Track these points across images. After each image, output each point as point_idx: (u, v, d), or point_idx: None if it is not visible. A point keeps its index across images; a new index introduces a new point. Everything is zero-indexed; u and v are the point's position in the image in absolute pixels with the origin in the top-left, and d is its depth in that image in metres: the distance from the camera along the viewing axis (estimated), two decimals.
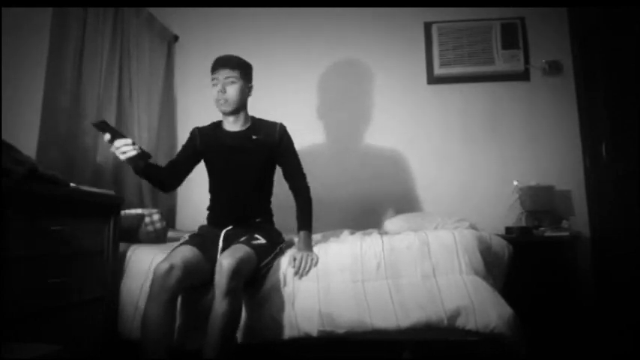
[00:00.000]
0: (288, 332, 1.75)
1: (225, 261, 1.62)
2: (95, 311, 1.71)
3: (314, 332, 1.72)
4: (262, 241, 1.87)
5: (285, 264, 1.88)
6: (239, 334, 1.75)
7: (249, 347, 1.79)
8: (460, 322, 1.65)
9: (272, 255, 1.89)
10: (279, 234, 2.08)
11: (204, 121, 3.35)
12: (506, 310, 1.65)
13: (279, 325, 1.75)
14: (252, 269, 1.75)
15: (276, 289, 1.82)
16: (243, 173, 2.01)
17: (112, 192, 1.96)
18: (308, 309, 1.75)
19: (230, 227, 1.97)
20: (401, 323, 1.67)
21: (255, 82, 3.37)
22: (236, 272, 1.61)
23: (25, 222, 1.39)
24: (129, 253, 1.98)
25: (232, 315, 1.63)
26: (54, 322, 1.50)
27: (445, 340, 1.71)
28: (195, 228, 2.14)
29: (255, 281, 1.83)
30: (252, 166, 2.02)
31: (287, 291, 1.81)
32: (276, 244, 1.96)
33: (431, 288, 1.72)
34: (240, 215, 2.01)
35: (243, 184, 2.02)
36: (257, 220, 2.03)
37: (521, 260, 2.08)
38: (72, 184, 1.68)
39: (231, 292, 1.60)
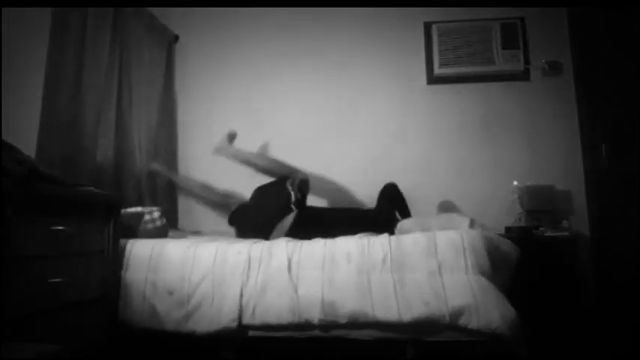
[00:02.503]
0: (289, 317, 1.75)
1: None
2: (95, 311, 1.71)
3: (315, 320, 1.73)
4: None
5: (290, 248, 1.90)
6: (244, 315, 1.77)
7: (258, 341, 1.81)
8: (462, 321, 1.65)
9: None
10: None
11: (204, 120, 3.39)
12: (510, 312, 1.64)
13: (280, 309, 1.76)
14: None
15: (281, 273, 1.83)
16: None
17: (111, 192, 1.96)
18: (311, 296, 1.76)
19: None
20: (403, 316, 1.67)
21: (253, 81, 3.41)
22: None
23: (25, 222, 1.39)
24: (128, 247, 2.00)
25: None
26: (54, 322, 1.49)
27: (448, 340, 1.71)
28: (196, 228, 2.15)
29: None
30: None
31: (291, 276, 1.82)
32: None
33: (435, 285, 1.73)
34: None
35: None
36: None
37: (521, 260, 2.07)
38: (72, 184, 1.68)
39: None
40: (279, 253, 1.89)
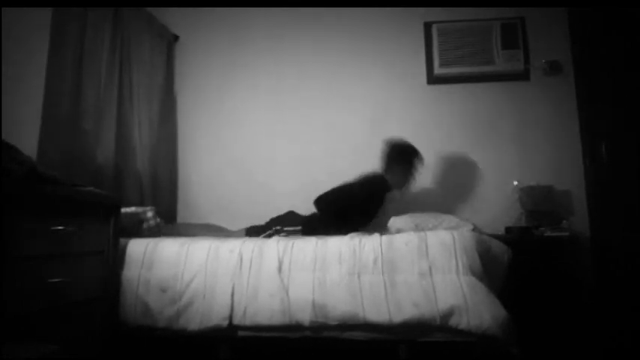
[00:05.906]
0: (280, 318, 1.75)
1: None
2: (95, 311, 1.71)
3: (306, 322, 1.73)
4: None
5: (282, 248, 1.89)
6: (235, 315, 1.78)
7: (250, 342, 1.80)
8: (453, 322, 1.65)
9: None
10: None
11: (204, 121, 3.39)
12: (501, 313, 1.64)
13: (271, 310, 1.76)
14: None
15: (272, 274, 1.83)
16: None
17: (111, 192, 1.96)
18: (302, 298, 1.76)
19: None
20: (393, 318, 1.67)
21: (254, 80, 3.42)
22: None
23: (25, 222, 1.39)
24: (122, 246, 2.00)
25: None
26: (54, 322, 1.50)
27: (442, 340, 1.70)
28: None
29: None
30: None
31: (282, 277, 1.82)
32: None
33: (426, 286, 1.73)
34: None
35: None
36: None
37: (521, 260, 2.07)
38: (72, 184, 1.68)
39: None
40: (270, 254, 1.89)
